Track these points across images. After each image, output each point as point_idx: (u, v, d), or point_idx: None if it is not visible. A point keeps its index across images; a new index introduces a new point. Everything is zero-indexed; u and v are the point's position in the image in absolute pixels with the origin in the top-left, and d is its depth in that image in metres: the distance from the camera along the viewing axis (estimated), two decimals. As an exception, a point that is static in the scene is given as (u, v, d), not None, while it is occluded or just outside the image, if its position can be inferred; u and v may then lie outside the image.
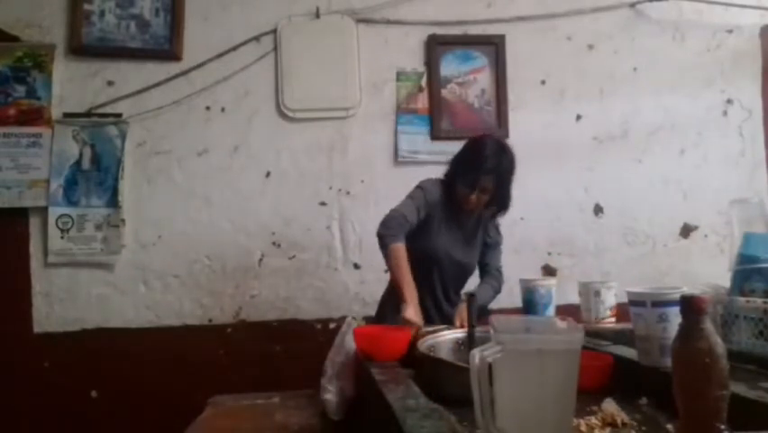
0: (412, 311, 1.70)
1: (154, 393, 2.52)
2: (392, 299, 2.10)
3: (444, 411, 0.94)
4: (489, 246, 2.11)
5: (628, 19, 2.92)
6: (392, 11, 2.79)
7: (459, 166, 1.95)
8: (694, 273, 2.74)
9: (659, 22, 2.93)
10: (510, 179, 1.94)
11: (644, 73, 2.91)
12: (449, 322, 1.85)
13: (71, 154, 2.60)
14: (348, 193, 2.74)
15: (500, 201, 1.97)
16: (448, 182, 1.98)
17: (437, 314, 1.98)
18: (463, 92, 2.82)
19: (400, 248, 1.81)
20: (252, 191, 2.70)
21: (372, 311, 2.24)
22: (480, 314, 1.93)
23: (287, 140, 2.72)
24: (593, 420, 0.98)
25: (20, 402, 2.51)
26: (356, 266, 2.71)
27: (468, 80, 2.82)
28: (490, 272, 2.11)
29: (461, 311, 1.89)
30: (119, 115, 2.63)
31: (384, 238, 1.83)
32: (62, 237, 2.57)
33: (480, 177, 1.86)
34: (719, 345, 0.76)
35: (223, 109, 2.71)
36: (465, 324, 1.77)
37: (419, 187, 1.97)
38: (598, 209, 2.87)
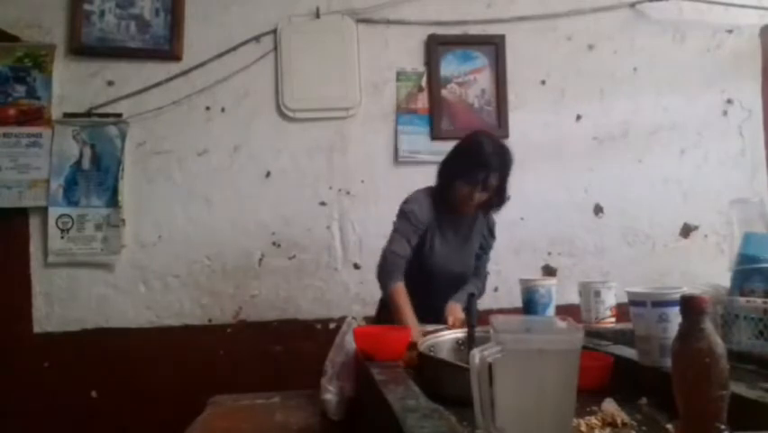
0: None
1: (154, 393, 2.52)
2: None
3: (444, 411, 0.94)
4: (484, 249, 2.12)
5: (628, 19, 2.92)
6: (392, 11, 2.79)
7: (459, 165, 1.91)
8: (694, 273, 2.74)
9: (659, 22, 2.93)
10: (508, 176, 1.94)
11: (644, 73, 2.91)
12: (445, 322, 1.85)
13: (71, 154, 2.60)
14: (348, 193, 2.74)
15: (499, 199, 1.96)
16: (442, 186, 1.96)
17: (435, 320, 1.97)
18: (463, 92, 2.82)
19: (399, 290, 1.83)
20: (252, 191, 2.70)
21: (372, 311, 2.23)
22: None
23: (287, 140, 2.72)
24: (593, 420, 0.98)
25: (20, 402, 2.51)
26: (356, 266, 2.71)
27: (468, 80, 2.82)
28: (478, 275, 2.12)
29: (453, 311, 1.90)
30: (119, 115, 2.63)
31: (383, 282, 1.87)
32: (62, 237, 2.57)
33: (488, 174, 1.84)
34: (719, 345, 0.76)
35: (223, 109, 2.71)
36: (457, 323, 1.79)
37: (403, 212, 1.95)
38: (598, 209, 2.87)
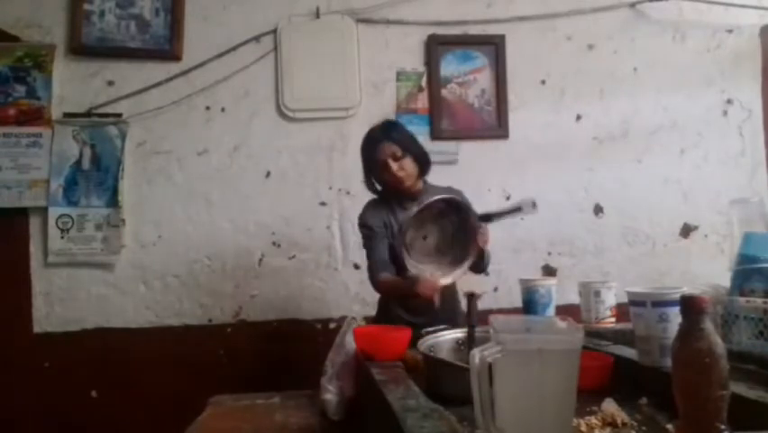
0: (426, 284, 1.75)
1: (154, 393, 2.52)
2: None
3: (444, 411, 0.94)
4: None
5: (628, 19, 2.92)
6: (392, 11, 2.79)
7: (365, 162, 2.03)
8: (694, 273, 2.74)
9: (659, 22, 2.93)
10: (409, 137, 2.00)
11: (644, 73, 2.91)
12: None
13: (71, 154, 2.60)
14: (348, 193, 2.73)
15: (421, 162, 2.00)
16: (377, 186, 2.05)
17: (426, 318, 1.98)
18: (463, 92, 2.82)
19: (385, 277, 1.93)
20: (252, 191, 2.70)
21: (372, 311, 2.24)
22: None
23: (287, 140, 2.72)
24: (593, 420, 0.98)
25: (20, 402, 2.51)
26: (356, 266, 2.70)
27: (468, 80, 2.82)
28: None
29: (483, 233, 1.86)
30: (119, 115, 2.63)
31: (374, 284, 2.00)
32: (62, 237, 2.57)
33: (382, 147, 1.94)
34: (719, 345, 0.76)
35: (223, 109, 2.71)
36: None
37: (361, 226, 2.04)
38: (598, 209, 2.87)
